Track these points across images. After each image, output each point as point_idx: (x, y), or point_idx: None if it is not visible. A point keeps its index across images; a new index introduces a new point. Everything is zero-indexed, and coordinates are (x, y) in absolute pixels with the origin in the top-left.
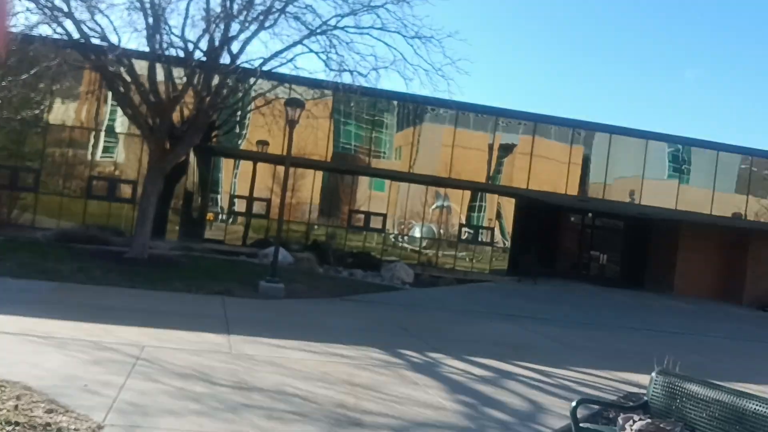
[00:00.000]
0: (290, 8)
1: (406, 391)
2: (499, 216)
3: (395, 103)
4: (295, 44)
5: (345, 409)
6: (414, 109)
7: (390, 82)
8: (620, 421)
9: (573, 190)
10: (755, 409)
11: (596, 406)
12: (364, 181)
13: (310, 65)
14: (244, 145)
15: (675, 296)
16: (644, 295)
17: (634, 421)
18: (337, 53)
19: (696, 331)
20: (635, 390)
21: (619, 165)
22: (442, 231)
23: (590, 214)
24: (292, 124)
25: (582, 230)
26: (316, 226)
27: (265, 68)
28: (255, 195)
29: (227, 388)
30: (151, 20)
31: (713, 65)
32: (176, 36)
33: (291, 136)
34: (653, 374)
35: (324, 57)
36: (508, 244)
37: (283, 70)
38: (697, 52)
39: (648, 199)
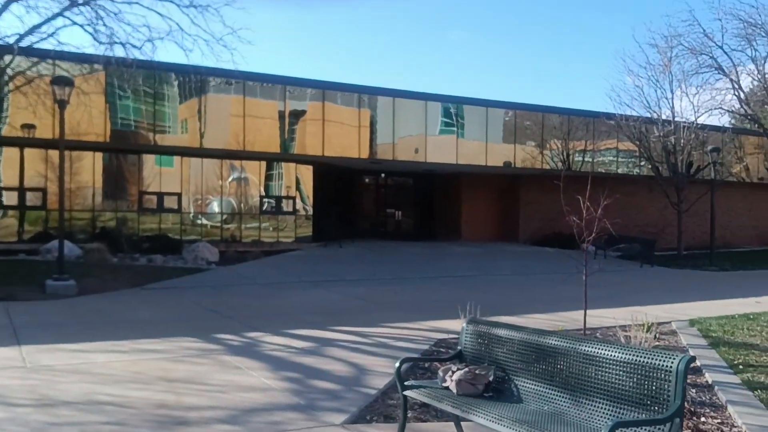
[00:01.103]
0: None
1: (229, 377)
2: (298, 184)
3: (178, 75)
4: (55, 17)
5: (166, 408)
6: (199, 82)
7: (169, 54)
8: (440, 373)
9: (365, 153)
10: (553, 343)
11: (418, 361)
12: (150, 159)
13: (77, 39)
14: (5, 131)
15: (463, 243)
16: (437, 245)
17: (453, 372)
18: (105, 25)
19: (486, 272)
20: (445, 336)
21: (404, 126)
22: (242, 204)
23: (383, 175)
24: (62, 104)
25: (377, 190)
26: (102, 213)
27: (22, 44)
28: (27, 185)
29: (28, 408)
30: None
31: (474, 27)
32: None
33: (63, 118)
34: (463, 324)
35: (91, 30)
36: (310, 211)
37: (46, 45)
38: (457, 15)
39: (432, 156)
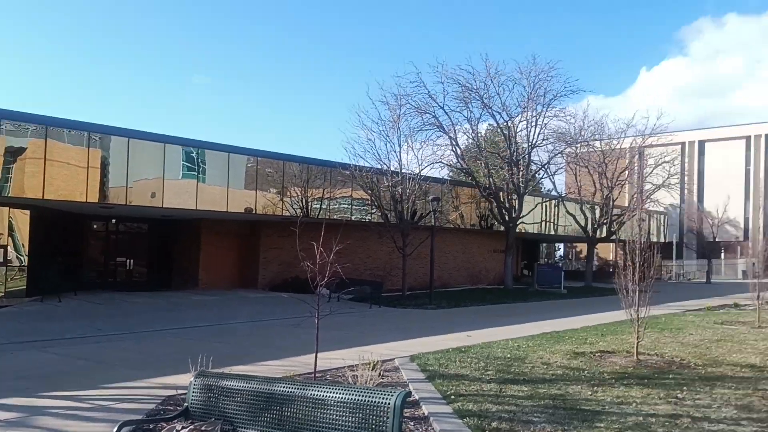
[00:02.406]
0: None
1: None
2: (11, 231)
3: None
4: None
5: None
6: None
7: None
8: None
9: (94, 197)
10: (281, 390)
11: (141, 423)
12: None
13: None
14: None
15: (201, 291)
16: (172, 295)
17: (177, 431)
18: None
19: (222, 320)
20: (174, 393)
21: (139, 168)
22: None
23: (114, 220)
24: None
25: (107, 237)
26: None
27: None
28: None
29: None
30: None
31: (217, 73)
32: None
33: None
34: (191, 378)
35: None
36: (25, 261)
37: None
38: (202, 60)
39: (170, 201)
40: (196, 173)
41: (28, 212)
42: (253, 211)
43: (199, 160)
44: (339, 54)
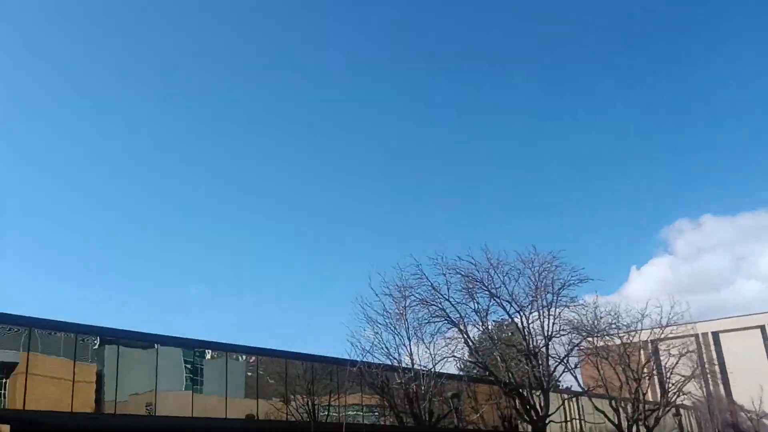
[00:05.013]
0: None
1: None
2: None
3: None
4: None
5: None
6: None
7: None
8: None
9: (84, 405)
10: None
11: None
12: None
13: None
14: None
15: None
16: None
17: None
18: None
19: None
20: None
21: (131, 379)
22: None
23: None
24: None
25: None
26: None
27: None
28: None
29: None
30: None
31: (213, 282)
32: None
33: None
34: None
35: None
36: None
37: None
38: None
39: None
40: (193, 381)
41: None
42: (256, 417)
43: (197, 365)
44: (338, 243)
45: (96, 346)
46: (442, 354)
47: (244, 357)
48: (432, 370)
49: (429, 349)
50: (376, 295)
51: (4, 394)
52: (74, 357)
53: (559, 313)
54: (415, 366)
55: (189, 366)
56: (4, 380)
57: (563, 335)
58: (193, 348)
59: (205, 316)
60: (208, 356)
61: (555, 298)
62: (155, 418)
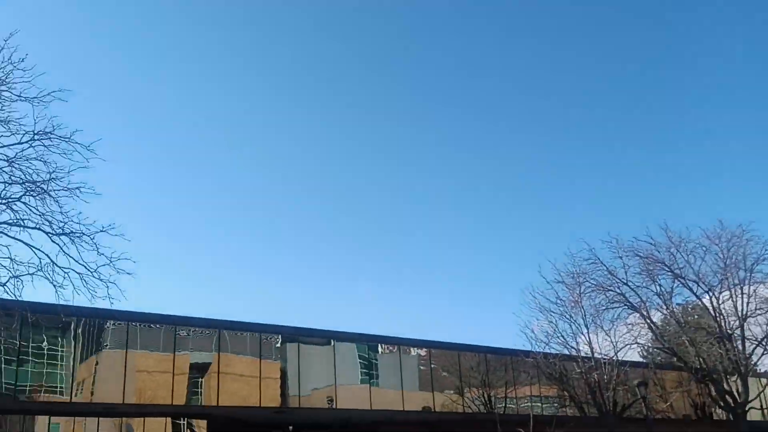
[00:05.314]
0: None
1: None
2: None
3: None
4: None
5: None
6: (77, 325)
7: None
8: None
9: (270, 400)
10: None
11: None
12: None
13: None
14: None
15: None
16: None
17: None
18: None
19: None
20: None
21: (314, 373)
22: None
23: (291, 428)
24: None
25: None
26: None
27: None
28: None
29: None
30: None
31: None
32: None
33: None
34: None
35: None
36: None
37: None
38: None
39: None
40: (369, 375)
41: (204, 423)
42: (432, 409)
43: (372, 359)
44: (500, 233)
45: (278, 344)
46: (624, 341)
47: (416, 350)
48: (614, 358)
49: (609, 337)
50: (548, 283)
51: (201, 392)
52: (260, 355)
53: (754, 290)
54: (595, 354)
55: (364, 360)
56: (200, 379)
57: (760, 314)
58: (368, 342)
59: (375, 312)
60: (382, 350)
61: (748, 274)
62: (340, 410)
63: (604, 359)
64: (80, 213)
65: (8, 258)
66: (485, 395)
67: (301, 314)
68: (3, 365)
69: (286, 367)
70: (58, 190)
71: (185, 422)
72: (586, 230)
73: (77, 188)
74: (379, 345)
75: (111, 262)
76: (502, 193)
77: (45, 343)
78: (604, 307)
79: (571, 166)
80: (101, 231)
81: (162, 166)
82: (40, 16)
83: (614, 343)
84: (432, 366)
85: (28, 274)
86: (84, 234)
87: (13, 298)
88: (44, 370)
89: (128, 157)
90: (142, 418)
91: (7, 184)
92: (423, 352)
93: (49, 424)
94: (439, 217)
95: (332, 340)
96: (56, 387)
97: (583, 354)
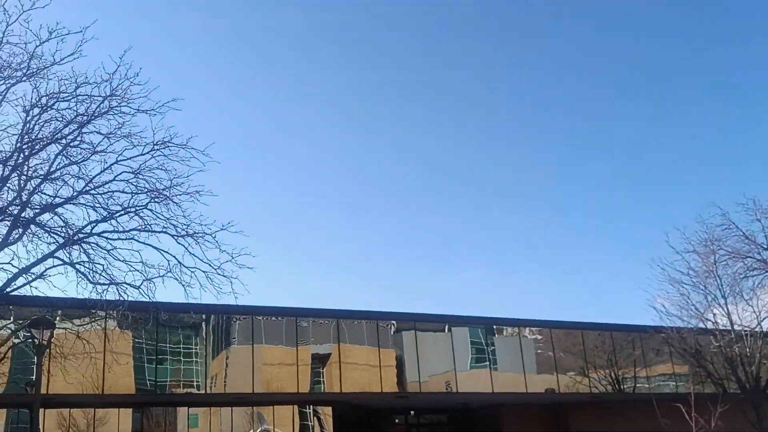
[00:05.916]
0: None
1: None
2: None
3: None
4: (44, 258)
5: None
6: (208, 323)
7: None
8: None
9: (390, 387)
10: None
11: None
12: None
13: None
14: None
15: None
16: None
17: None
18: (91, 265)
19: None
20: None
21: (432, 358)
22: None
23: (412, 412)
24: (40, 350)
25: (407, 430)
26: None
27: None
28: None
29: None
30: None
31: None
32: None
33: (39, 364)
34: None
35: (85, 268)
36: None
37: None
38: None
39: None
40: (487, 358)
41: (329, 409)
42: (556, 391)
43: (489, 342)
44: (624, 201)
45: (393, 332)
46: None
47: (535, 331)
48: (758, 329)
49: (751, 306)
50: (677, 252)
51: (322, 381)
52: (378, 344)
53: None
54: (735, 326)
55: (481, 344)
56: (321, 369)
57: None
58: (484, 326)
59: (492, 297)
60: (499, 333)
61: None
62: (460, 395)
63: (746, 331)
64: (201, 215)
65: (140, 262)
66: (612, 374)
67: (416, 301)
68: (146, 364)
69: (403, 354)
70: (180, 195)
71: (311, 410)
72: (717, 193)
73: (197, 191)
74: (496, 327)
75: (233, 258)
76: (619, 158)
77: (180, 342)
78: (742, 276)
79: (697, 123)
80: (221, 229)
81: (276, 158)
82: (130, 24)
83: (757, 313)
84: (553, 346)
85: (159, 276)
86: (206, 234)
87: (148, 299)
88: (181, 367)
89: (240, 156)
90: (272, 407)
91: (134, 194)
92: (542, 333)
93: (188, 414)
94: (560, 191)
95: (447, 325)
96: (193, 381)
97: (720, 327)
